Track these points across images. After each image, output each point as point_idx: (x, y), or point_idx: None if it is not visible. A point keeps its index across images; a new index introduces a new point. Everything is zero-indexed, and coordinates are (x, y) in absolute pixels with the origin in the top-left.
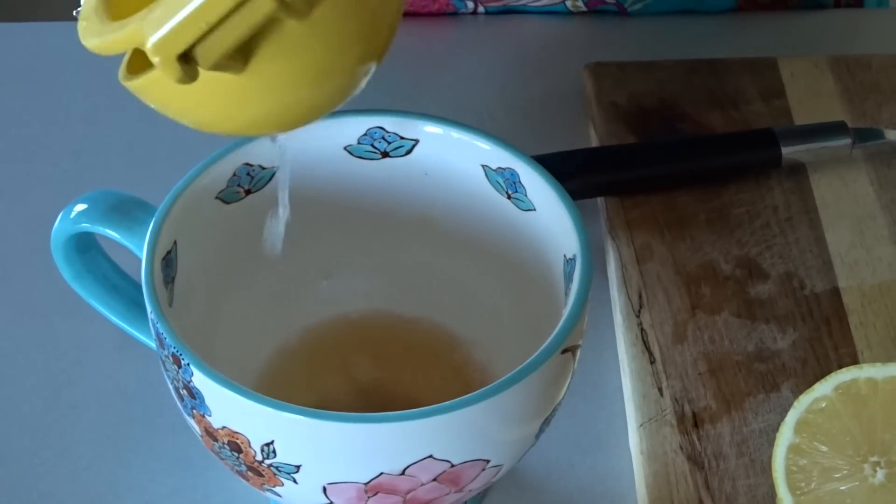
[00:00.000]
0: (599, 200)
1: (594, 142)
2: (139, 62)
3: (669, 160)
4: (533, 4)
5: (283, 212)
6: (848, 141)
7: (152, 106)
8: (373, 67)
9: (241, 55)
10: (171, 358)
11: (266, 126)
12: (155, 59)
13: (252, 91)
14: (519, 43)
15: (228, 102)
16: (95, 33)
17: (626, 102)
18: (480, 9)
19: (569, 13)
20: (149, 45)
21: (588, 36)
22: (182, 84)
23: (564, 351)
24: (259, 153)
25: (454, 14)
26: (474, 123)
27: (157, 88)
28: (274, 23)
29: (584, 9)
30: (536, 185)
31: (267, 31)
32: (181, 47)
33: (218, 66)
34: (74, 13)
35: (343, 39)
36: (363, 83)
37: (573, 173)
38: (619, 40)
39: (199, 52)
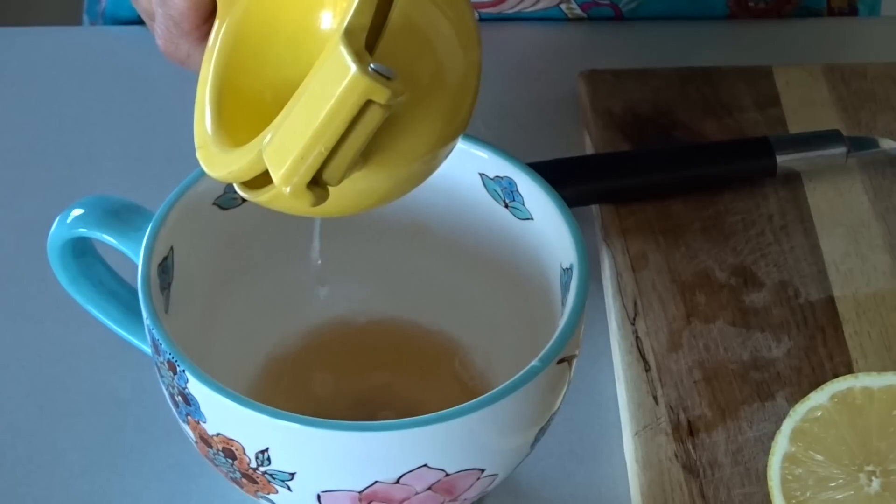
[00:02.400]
0: (594, 208)
1: (589, 149)
2: (260, 177)
3: (664, 168)
4: (528, 10)
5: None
6: (843, 150)
7: (280, 211)
8: (471, 112)
9: (360, 156)
10: (166, 364)
11: (388, 200)
12: (285, 191)
13: (375, 179)
14: (513, 50)
15: (355, 195)
16: (218, 164)
17: (621, 110)
18: (475, 14)
19: (563, 20)
20: (276, 179)
21: (582, 43)
22: (317, 206)
23: (560, 361)
24: None
25: None
26: (468, 131)
27: (284, 199)
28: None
29: (580, 12)
30: (534, 194)
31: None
32: (308, 177)
33: (346, 178)
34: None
35: (446, 113)
36: (465, 127)
37: (568, 181)
38: (613, 48)
39: (327, 175)
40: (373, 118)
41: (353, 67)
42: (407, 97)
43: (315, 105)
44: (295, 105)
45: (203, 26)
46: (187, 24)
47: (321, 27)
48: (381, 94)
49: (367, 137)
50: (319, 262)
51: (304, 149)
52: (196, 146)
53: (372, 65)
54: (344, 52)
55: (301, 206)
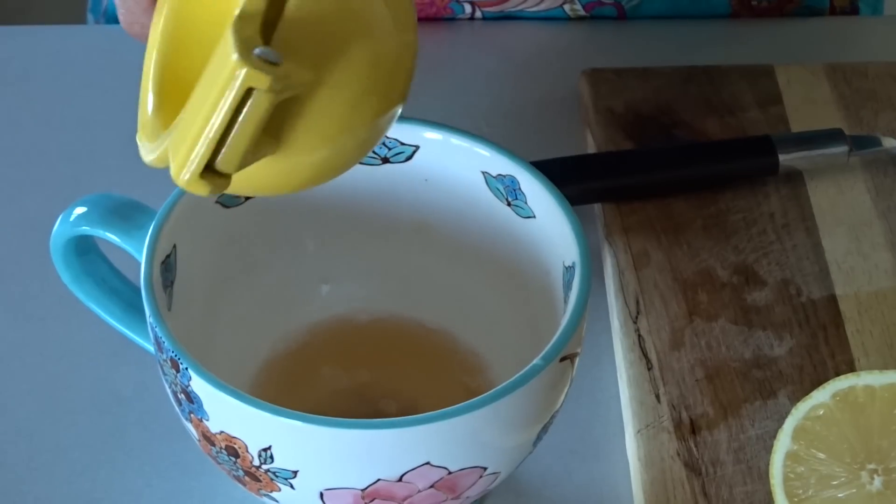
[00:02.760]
0: (596, 206)
1: (591, 148)
2: None
3: (666, 167)
4: (531, 10)
5: None
6: (845, 148)
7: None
8: (399, 109)
9: (269, 138)
10: (169, 362)
11: (323, 178)
12: (181, 184)
13: (297, 160)
14: (516, 49)
15: (282, 174)
16: (146, 149)
17: (623, 109)
18: (478, 14)
19: (565, 19)
20: (172, 171)
21: (585, 42)
22: (216, 193)
23: (563, 359)
24: None
25: (451, 19)
26: (471, 129)
27: (203, 189)
28: (287, 102)
29: (583, 12)
30: (537, 192)
31: (283, 108)
32: (199, 168)
33: (246, 164)
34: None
35: (362, 94)
36: (394, 120)
37: (570, 179)
38: (615, 46)
39: (221, 164)
40: (259, 104)
41: (234, 55)
42: (308, 78)
43: (204, 93)
44: (193, 94)
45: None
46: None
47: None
48: (261, 81)
49: (259, 124)
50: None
51: (193, 138)
52: (138, 127)
53: (258, 49)
54: (230, 38)
55: (202, 194)
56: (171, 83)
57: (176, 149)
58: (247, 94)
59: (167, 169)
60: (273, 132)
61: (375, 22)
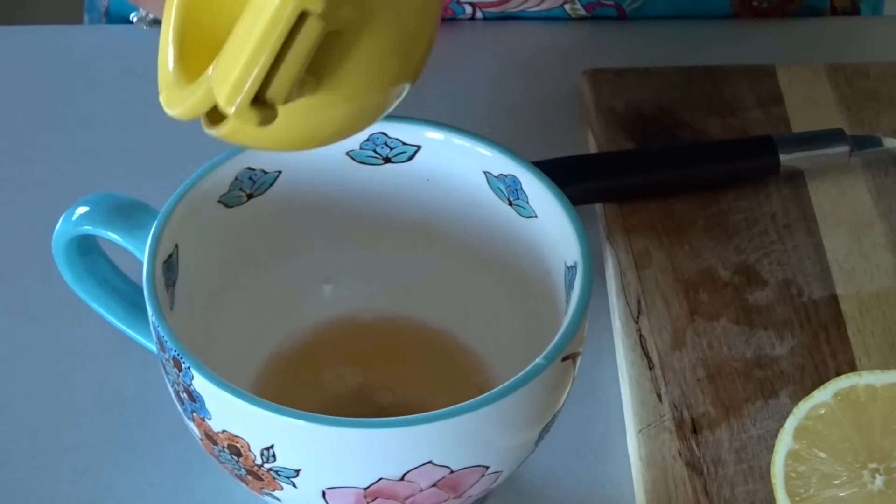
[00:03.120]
0: (598, 206)
1: (592, 148)
2: (218, 111)
3: (668, 167)
4: (532, 10)
5: None
6: (846, 148)
7: (242, 145)
8: (426, 57)
9: (310, 76)
10: (171, 361)
11: (347, 132)
12: (229, 112)
13: (331, 103)
14: (517, 49)
15: (312, 121)
16: (176, 101)
17: (625, 109)
18: (479, 14)
19: (566, 19)
20: (220, 102)
21: (586, 42)
22: (265, 126)
23: (565, 358)
24: (261, 158)
25: (452, 19)
26: (472, 129)
27: (242, 132)
28: (330, 37)
29: (584, 13)
30: (538, 192)
31: (326, 46)
32: (250, 96)
33: (292, 97)
34: (133, 17)
35: (396, 43)
36: (418, 74)
37: (571, 179)
38: (617, 46)
39: (271, 93)
40: (311, 30)
41: None
42: (353, 15)
43: (252, 22)
44: (236, 28)
45: None
46: None
47: None
48: (315, 3)
49: (309, 51)
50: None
51: (244, 67)
52: (160, 89)
53: None
54: None
55: (250, 129)
56: (192, 40)
57: (222, 80)
58: (299, 20)
59: (177, 170)
60: (314, 70)
61: None
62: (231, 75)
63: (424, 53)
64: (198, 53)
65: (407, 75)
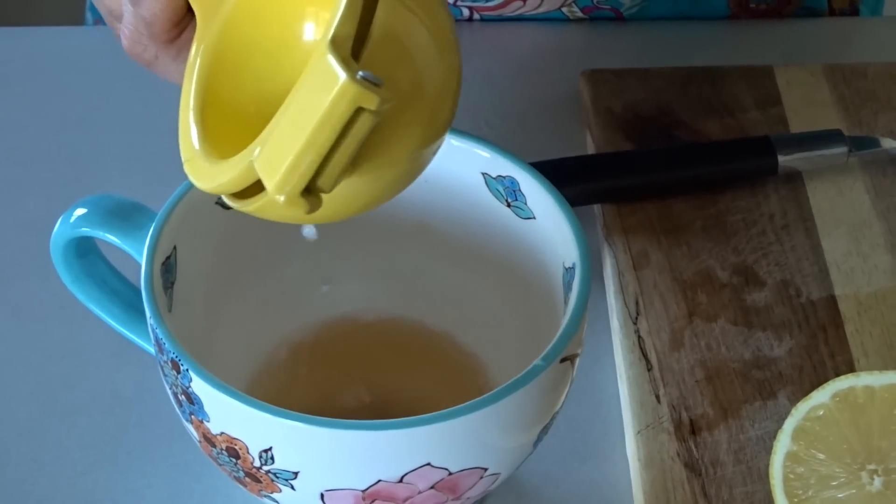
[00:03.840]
0: (596, 207)
1: (590, 149)
2: (249, 187)
3: (666, 167)
4: (529, 13)
5: None
6: (844, 149)
7: (267, 218)
8: (453, 116)
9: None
10: (169, 363)
11: (376, 204)
12: (279, 200)
13: (362, 184)
14: (515, 50)
15: (344, 200)
16: (207, 176)
17: (623, 109)
18: (476, 16)
19: (564, 20)
20: (270, 188)
21: (584, 43)
22: (311, 213)
23: (563, 360)
24: None
25: None
26: (470, 130)
27: (272, 210)
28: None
29: (581, 15)
30: (536, 193)
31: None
32: (302, 185)
33: (337, 185)
34: None
35: (429, 117)
36: (440, 144)
37: (569, 180)
38: (615, 47)
39: (321, 182)
40: (364, 125)
41: (342, 75)
42: (395, 106)
43: (305, 114)
44: (284, 115)
45: (173, 30)
46: (158, 26)
47: (302, 39)
48: (371, 101)
49: (359, 144)
50: (313, 235)
51: (297, 157)
52: (183, 160)
53: (360, 72)
54: (332, 60)
55: (295, 213)
56: (213, 109)
57: (271, 167)
58: (354, 114)
59: (176, 172)
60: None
61: (439, 47)
62: (283, 164)
63: (451, 111)
64: (219, 125)
65: (436, 136)
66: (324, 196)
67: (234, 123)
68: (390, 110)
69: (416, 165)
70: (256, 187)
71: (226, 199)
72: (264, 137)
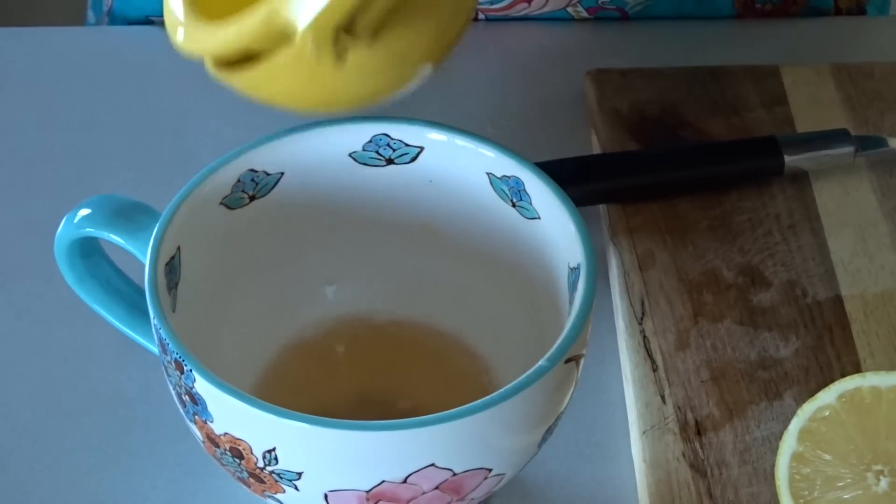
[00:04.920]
0: (601, 207)
1: (596, 149)
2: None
3: (671, 167)
4: (535, 13)
5: None
6: (850, 149)
7: (257, 97)
8: (456, 43)
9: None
10: (173, 364)
11: (372, 100)
12: (309, 41)
13: (372, 65)
14: (520, 49)
15: (352, 79)
16: (206, 36)
17: (628, 109)
18: (481, 15)
19: (569, 20)
20: (302, 25)
21: (589, 43)
22: (335, 66)
23: (568, 360)
24: (263, 159)
25: None
26: (475, 130)
27: (275, 78)
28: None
29: (586, 15)
30: (541, 193)
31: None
32: (339, 23)
33: (364, 44)
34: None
35: (451, 10)
36: (445, 56)
37: (574, 180)
38: (620, 47)
39: (356, 28)
40: None
41: None
42: None
43: None
44: None
45: None
46: None
47: None
48: None
49: None
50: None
51: None
52: (169, 30)
53: None
54: None
55: (286, 77)
56: None
57: (309, 7)
58: None
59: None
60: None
61: None
62: (313, 3)
63: (456, 38)
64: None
65: (439, 52)
66: (348, 64)
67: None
68: None
69: (417, 67)
70: (254, 58)
71: (217, 71)
72: None
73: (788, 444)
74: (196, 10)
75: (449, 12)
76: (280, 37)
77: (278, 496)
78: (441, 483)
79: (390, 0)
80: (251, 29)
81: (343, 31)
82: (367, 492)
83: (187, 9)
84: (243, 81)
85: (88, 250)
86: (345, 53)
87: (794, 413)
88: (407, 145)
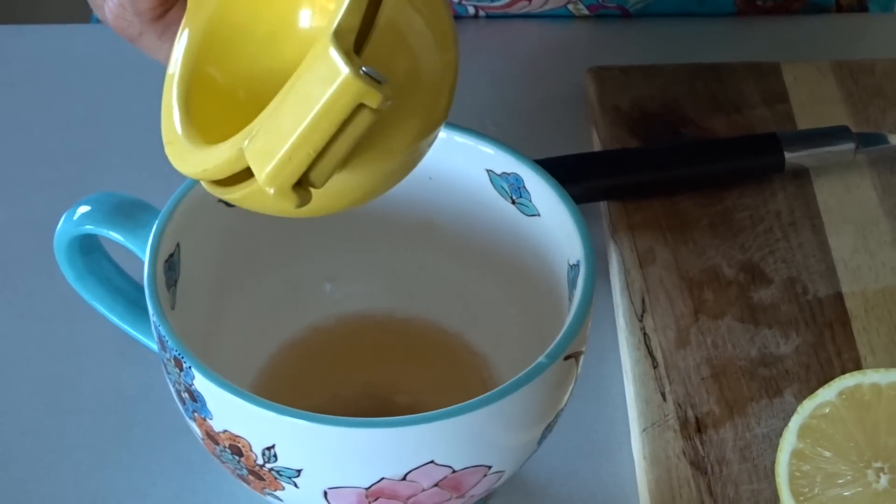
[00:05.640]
0: (602, 204)
1: (597, 146)
2: (232, 176)
3: (672, 164)
4: (535, 11)
5: None
6: (851, 146)
7: (249, 209)
8: (448, 110)
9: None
10: (172, 361)
11: (366, 199)
12: (269, 191)
13: (355, 178)
14: (521, 47)
15: (335, 194)
16: (190, 160)
17: (629, 106)
18: (482, 13)
19: (570, 17)
20: (261, 178)
21: (590, 40)
22: (300, 207)
23: (567, 357)
24: None
25: (456, 18)
26: (476, 128)
27: (259, 198)
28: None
29: (587, 12)
30: (541, 190)
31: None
32: (295, 178)
33: (328, 181)
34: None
35: (425, 112)
36: (435, 139)
37: (575, 177)
38: (621, 44)
39: (313, 176)
40: (363, 121)
41: (344, 70)
42: (394, 104)
43: (304, 106)
44: (281, 105)
45: (158, 7)
46: (143, 3)
47: (300, 25)
48: (373, 98)
49: (356, 140)
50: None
51: (292, 149)
52: (164, 142)
53: (363, 68)
54: (335, 53)
55: (283, 206)
56: (199, 99)
57: (263, 157)
58: (354, 110)
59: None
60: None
61: (437, 42)
62: (276, 154)
63: (446, 107)
64: (204, 109)
65: (431, 131)
66: (314, 190)
67: (220, 110)
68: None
69: (410, 160)
70: (242, 175)
71: (206, 186)
72: (257, 125)
73: (789, 441)
74: (190, 121)
75: (428, 104)
76: (248, 172)
77: (278, 493)
78: (440, 480)
79: (350, 146)
80: (222, 165)
81: (304, 180)
82: (367, 489)
83: (183, 121)
84: (232, 198)
85: (88, 247)
86: (307, 198)
87: (794, 410)
88: None
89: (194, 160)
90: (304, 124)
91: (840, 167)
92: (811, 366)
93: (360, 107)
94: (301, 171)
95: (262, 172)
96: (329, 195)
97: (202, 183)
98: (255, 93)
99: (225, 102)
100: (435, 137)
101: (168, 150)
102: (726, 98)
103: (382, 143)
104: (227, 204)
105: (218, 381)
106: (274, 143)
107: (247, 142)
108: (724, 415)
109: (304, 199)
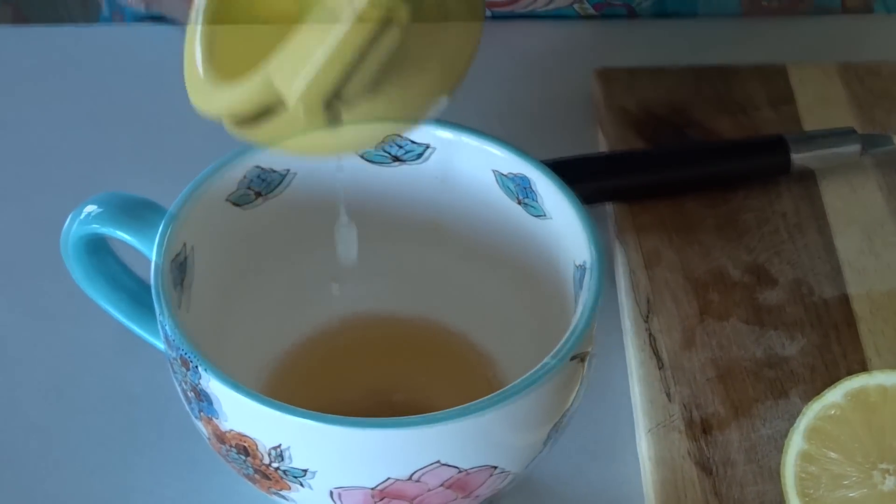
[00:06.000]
0: (608, 206)
1: (602, 147)
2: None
3: (678, 166)
4: (540, 9)
5: (346, 223)
6: (857, 147)
7: (271, 147)
8: (465, 73)
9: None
10: (179, 360)
11: (378, 139)
12: (299, 112)
13: (379, 108)
14: (527, 48)
15: (357, 131)
16: (216, 99)
17: (635, 108)
18: (487, 13)
19: (576, 18)
20: (291, 96)
21: (596, 41)
22: (331, 126)
23: (574, 358)
24: (271, 157)
25: None
26: (482, 128)
27: (289, 128)
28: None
29: (593, 12)
30: (548, 191)
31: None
32: (324, 93)
33: (357, 103)
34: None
35: (450, 55)
36: (455, 88)
37: (581, 178)
38: (627, 45)
39: (346, 94)
40: (390, 39)
41: None
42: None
43: (332, 24)
44: (307, 28)
45: None
46: None
47: None
48: (401, 13)
49: (385, 60)
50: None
51: (322, 64)
52: (188, 88)
53: None
54: None
55: (315, 127)
56: (221, 45)
57: (293, 75)
58: (382, 28)
59: (187, 169)
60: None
61: None
62: (308, 71)
63: (465, 68)
64: (227, 55)
65: (448, 87)
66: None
67: (243, 58)
68: (415, 32)
69: (438, 91)
70: (268, 113)
71: (232, 129)
72: (284, 49)
73: (794, 442)
74: (213, 67)
75: (453, 49)
76: (278, 100)
77: (284, 493)
78: (447, 480)
79: (380, 63)
80: (249, 95)
81: (335, 98)
82: (374, 489)
83: (205, 65)
84: (256, 137)
85: (95, 247)
86: (338, 117)
87: (800, 411)
88: (414, 143)
89: (219, 97)
90: (333, 40)
91: (846, 169)
92: (817, 367)
93: (389, 25)
94: (330, 86)
95: (290, 90)
96: (354, 131)
97: (228, 127)
98: (277, 37)
99: (248, 49)
100: (464, 72)
101: (191, 95)
102: (732, 100)
103: (411, 72)
104: (236, 203)
105: (225, 380)
106: (302, 62)
107: (271, 66)
108: (729, 416)
109: (336, 118)
